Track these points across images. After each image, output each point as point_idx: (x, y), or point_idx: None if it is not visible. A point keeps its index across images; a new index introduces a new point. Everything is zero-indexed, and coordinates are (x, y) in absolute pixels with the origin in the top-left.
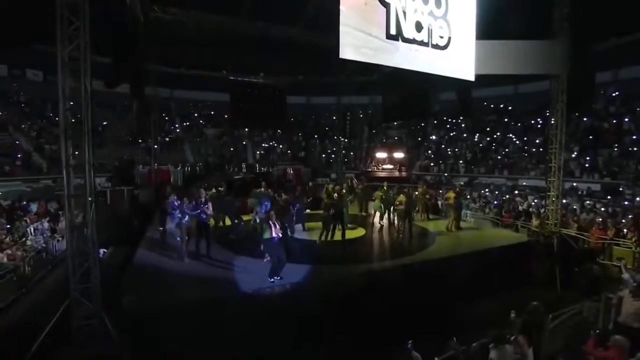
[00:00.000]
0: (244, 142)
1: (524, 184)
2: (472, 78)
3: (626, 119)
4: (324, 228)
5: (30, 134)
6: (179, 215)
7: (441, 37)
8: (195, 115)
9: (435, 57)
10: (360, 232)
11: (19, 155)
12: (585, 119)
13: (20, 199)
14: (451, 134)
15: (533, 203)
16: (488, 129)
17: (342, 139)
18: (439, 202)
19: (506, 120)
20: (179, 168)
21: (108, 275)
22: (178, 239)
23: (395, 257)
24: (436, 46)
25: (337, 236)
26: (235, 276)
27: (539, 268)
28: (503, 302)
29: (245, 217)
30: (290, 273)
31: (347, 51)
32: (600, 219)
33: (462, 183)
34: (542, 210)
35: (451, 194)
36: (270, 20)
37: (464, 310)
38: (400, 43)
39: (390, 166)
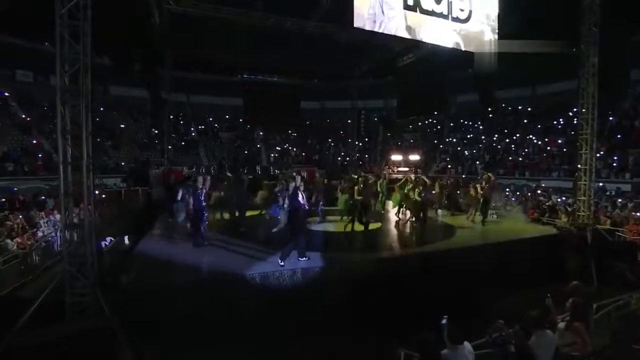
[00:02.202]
0: (258, 145)
1: (551, 186)
2: (495, 49)
3: None
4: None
5: (52, 136)
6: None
7: (462, 10)
8: (210, 119)
9: (455, 30)
10: (376, 224)
11: (40, 156)
12: (611, 118)
13: (36, 195)
14: (468, 136)
15: (558, 201)
16: (506, 130)
17: (357, 143)
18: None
19: (525, 121)
20: (192, 169)
21: (110, 258)
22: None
23: (418, 246)
24: (456, 19)
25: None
26: (241, 261)
27: (572, 261)
28: (534, 295)
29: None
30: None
31: (362, 20)
32: (638, 214)
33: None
34: (569, 209)
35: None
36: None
37: (493, 302)
38: (417, 14)
39: (406, 168)
